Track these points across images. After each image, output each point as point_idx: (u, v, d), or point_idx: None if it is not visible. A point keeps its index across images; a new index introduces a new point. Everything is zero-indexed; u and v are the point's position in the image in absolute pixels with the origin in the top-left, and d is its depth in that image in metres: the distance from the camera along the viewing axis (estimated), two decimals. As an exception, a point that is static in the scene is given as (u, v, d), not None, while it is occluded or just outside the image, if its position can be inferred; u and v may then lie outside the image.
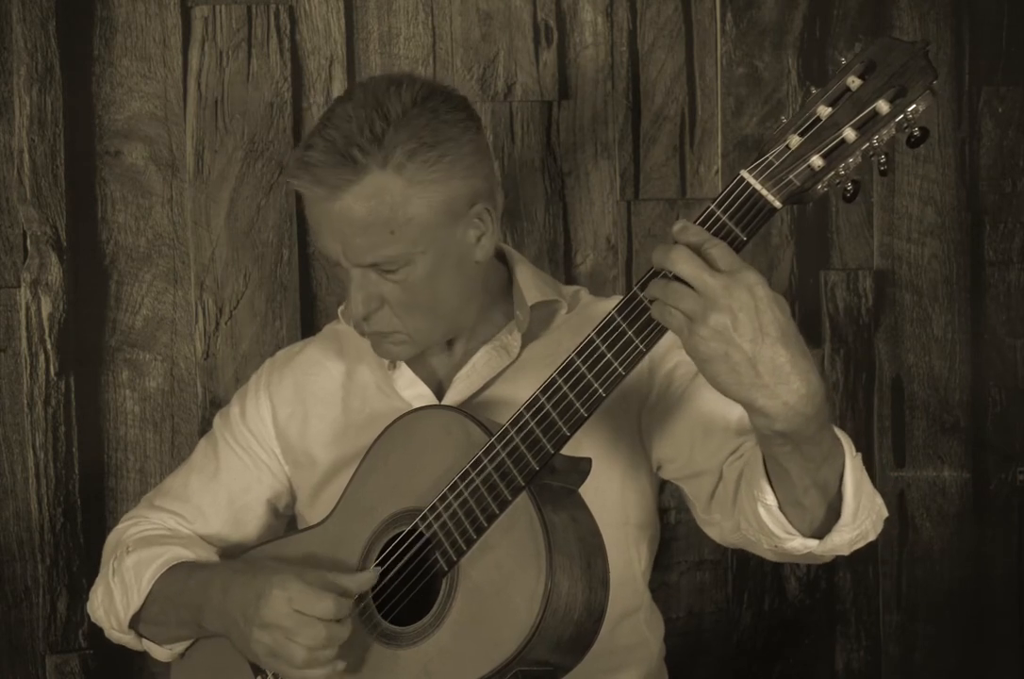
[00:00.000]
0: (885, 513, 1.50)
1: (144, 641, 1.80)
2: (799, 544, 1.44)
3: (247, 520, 1.87)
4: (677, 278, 1.28)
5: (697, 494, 1.64)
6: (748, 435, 1.55)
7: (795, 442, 1.32)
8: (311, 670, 1.53)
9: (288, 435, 1.84)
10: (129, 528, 1.85)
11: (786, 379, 1.27)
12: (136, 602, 1.75)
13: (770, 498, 1.42)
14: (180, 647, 1.79)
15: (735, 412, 1.57)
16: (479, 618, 1.47)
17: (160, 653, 1.80)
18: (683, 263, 1.27)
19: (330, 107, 1.62)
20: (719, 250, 1.28)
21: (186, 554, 1.78)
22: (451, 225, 1.61)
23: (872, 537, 1.48)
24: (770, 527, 1.43)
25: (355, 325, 1.68)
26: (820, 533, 1.43)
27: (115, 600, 1.77)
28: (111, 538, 1.87)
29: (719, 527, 1.60)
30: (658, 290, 1.29)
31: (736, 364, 1.26)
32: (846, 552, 1.47)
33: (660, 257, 1.29)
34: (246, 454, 1.86)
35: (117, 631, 1.80)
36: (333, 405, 1.82)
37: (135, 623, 1.77)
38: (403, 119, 1.55)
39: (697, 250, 1.28)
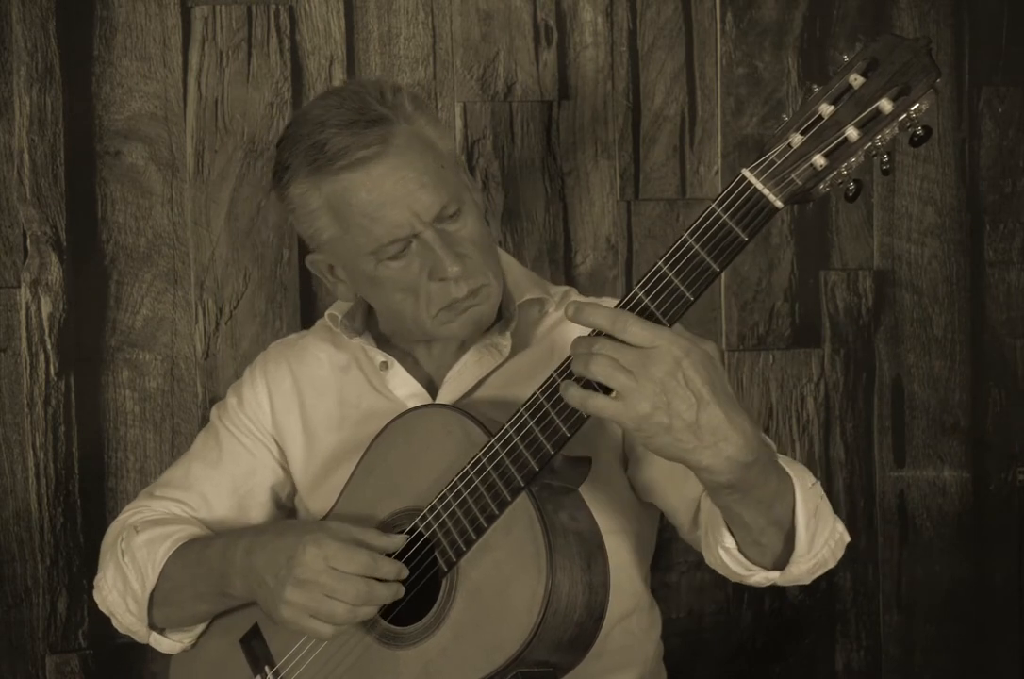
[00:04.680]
0: (846, 539, 1.56)
1: (152, 634, 1.77)
2: (761, 578, 1.51)
3: (251, 506, 1.85)
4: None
5: (679, 522, 1.69)
6: None
7: (742, 489, 1.37)
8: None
9: (286, 426, 1.83)
10: (132, 516, 1.83)
11: (725, 435, 1.31)
12: (152, 579, 1.72)
13: (729, 541, 1.49)
14: (189, 639, 1.77)
15: None
16: (479, 619, 1.47)
17: (165, 644, 1.77)
18: (602, 362, 1.28)
19: (301, 120, 1.65)
20: (629, 323, 1.29)
21: (199, 533, 1.76)
22: (459, 165, 1.70)
23: (832, 564, 1.55)
24: (732, 568, 1.51)
25: (447, 295, 1.64)
26: (781, 564, 1.49)
27: (129, 580, 1.74)
28: (113, 527, 1.84)
29: (703, 545, 1.64)
30: (581, 366, 1.30)
31: (678, 433, 1.29)
32: (806, 581, 1.54)
33: (581, 348, 1.31)
34: (247, 439, 1.84)
35: (134, 615, 1.76)
36: (328, 395, 1.82)
37: (149, 606, 1.75)
38: (389, 89, 1.65)
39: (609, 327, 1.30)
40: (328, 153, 1.59)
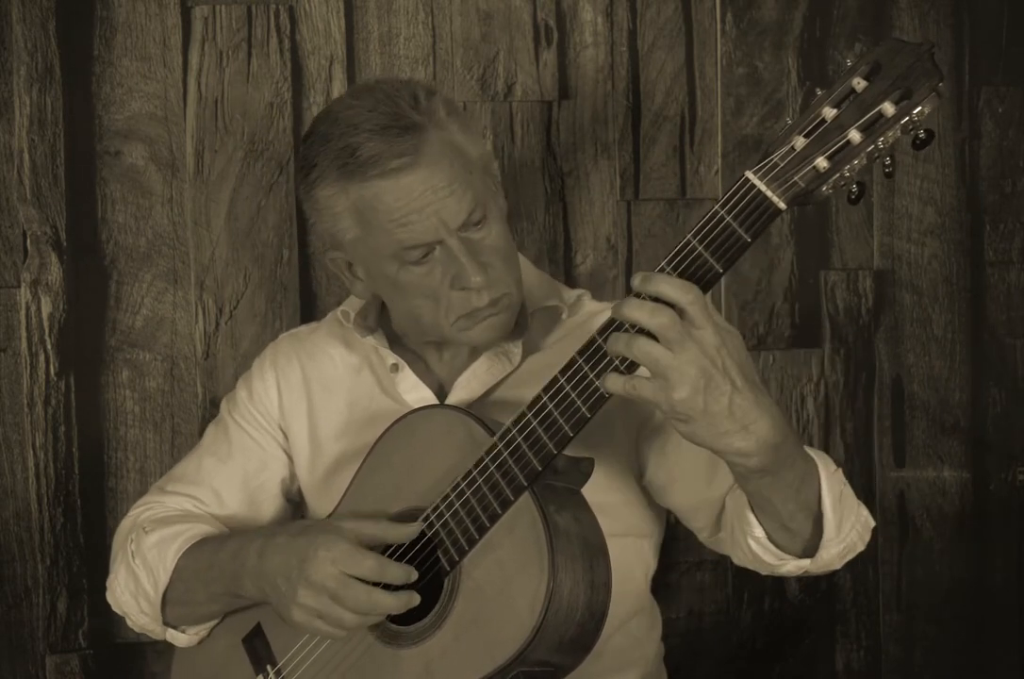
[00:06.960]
0: (872, 523, 1.57)
1: (168, 631, 1.77)
2: (793, 566, 1.52)
3: (262, 500, 1.85)
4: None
5: (700, 525, 1.69)
6: None
7: (772, 472, 1.38)
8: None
9: (292, 424, 1.83)
10: (143, 513, 1.83)
11: (755, 418, 1.32)
12: (163, 580, 1.72)
13: (758, 531, 1.49)
14: (204, 631, 1.77)
15: None
16: (481, 618, 1.47)
17: (181, 639, 1.78)
18: (643, 344, 1.29)
19: (332, 117, 1.63)
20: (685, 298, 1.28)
21: (210, 530, 1.76)
22: (487, 171, 1.69)
23: (860, 548, 1.55)
24: (763, 558, 1.51)
25: (468, 304, 1.64)
26: (811, 551, 1.50)
27: (141, 581, 1.74)
28: (124, 524, 1.84)
29: (727, 545, 1.64)
30: (623, 346, 1.30)
31: (712, 417, 1.30)
32: (838, 566, 1.54)
33: (619, 338, 1.31)
34: (257, 432, 1.85)
35: (148, 615, 1.76)
36: (337, 396, 1.82)
37: (162, 606, 1.75)
38: (423, 93, 1.64)
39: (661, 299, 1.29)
40: (359, 159, 1.58)
